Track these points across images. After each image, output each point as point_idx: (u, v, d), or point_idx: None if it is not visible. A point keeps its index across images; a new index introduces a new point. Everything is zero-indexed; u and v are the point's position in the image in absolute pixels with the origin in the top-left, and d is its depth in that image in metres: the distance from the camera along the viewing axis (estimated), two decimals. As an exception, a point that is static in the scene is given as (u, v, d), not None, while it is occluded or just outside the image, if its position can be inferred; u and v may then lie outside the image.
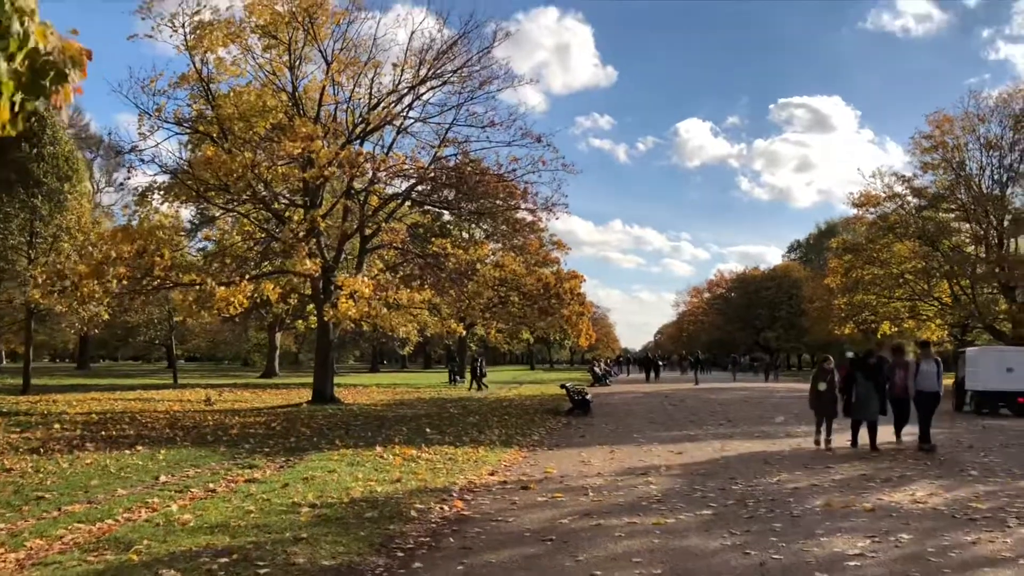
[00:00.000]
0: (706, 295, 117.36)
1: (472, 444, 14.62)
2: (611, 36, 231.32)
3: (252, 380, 46.06)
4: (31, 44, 4.09)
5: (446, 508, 8.85)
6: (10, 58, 4.01)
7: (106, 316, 30.59)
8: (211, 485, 10.10)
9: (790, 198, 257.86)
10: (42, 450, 13.19)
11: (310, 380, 37.39)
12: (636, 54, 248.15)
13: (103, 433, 16.06)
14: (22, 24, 4.04)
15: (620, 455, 13.60)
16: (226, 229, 28.54)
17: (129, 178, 48.58)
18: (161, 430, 16.88)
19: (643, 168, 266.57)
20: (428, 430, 16.97)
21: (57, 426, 17.05)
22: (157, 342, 46.46)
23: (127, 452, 13.06)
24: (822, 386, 14.76)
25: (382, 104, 24.62)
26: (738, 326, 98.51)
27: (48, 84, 4.17)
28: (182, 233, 24.08)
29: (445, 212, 50.70)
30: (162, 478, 10.64)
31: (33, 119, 30.32)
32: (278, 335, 54.88)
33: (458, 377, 45.15)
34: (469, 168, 25.21)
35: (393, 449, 13.48)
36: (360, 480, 10.39)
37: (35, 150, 29.72)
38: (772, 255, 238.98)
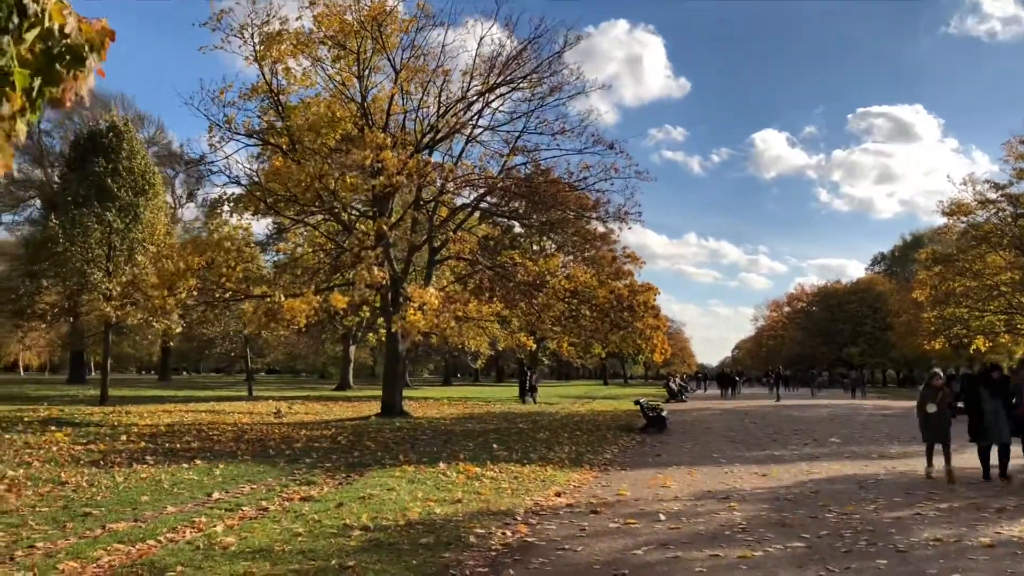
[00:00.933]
0: (786, 309, 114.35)
1: (540, 462, 13.90)
2: (683, 47, 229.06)
3: (326, 392, 46.19)
4: (46, 24, 3.59)
5: (508, 533, 8.14)
6: (20, 39, 3.51)
7: (179, 330, 31.12)
8: (264, 503, 9.60)
9: (871, 209, 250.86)
10: (102, 463, 12.95)
11: (373, 392, 37.30)
12: (709, 65, 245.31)
13: (167, 446, 15.83)
14: (37, 1, 3.53)
15: (699, 477, 12.70)
16: (297, 242, 28.49)
17: (197, 189, 48.74)
18: (226, 443, 16.59)
19: (718, 180, 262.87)
20: (495, 446, 16.31)
21: (124, 438, 16.91)
22: (233, 354, 46.96)
23: (185, 466, 12.71)
24: (931, 408, 12.53)
25: (450, 112, 24.20)
26: (820, 341, 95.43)
27: (64, 69, 3.67)
28: (253, 245, 23.93)
29: (515, 225, 50.43)
30: (215, 495, 10.20)
31: (111, 134, 30.97)
32: (351, 348, 54.99)
33: (529, 396, 44.46)
34: (540, 177, 24.58)
35: (457, 466, 12.84)
36: (419, 500, 9.77)
37: (111, 165, 30.28)
38: (853, 268, 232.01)
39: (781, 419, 27.11)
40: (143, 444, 15.96)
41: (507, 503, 9.82)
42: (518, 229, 51.39)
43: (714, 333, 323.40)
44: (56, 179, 35.38)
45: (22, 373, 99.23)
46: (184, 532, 7.95)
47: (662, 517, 9.04)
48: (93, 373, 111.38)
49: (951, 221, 44.35)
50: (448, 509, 9.28)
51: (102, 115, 32.05)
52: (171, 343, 68.77)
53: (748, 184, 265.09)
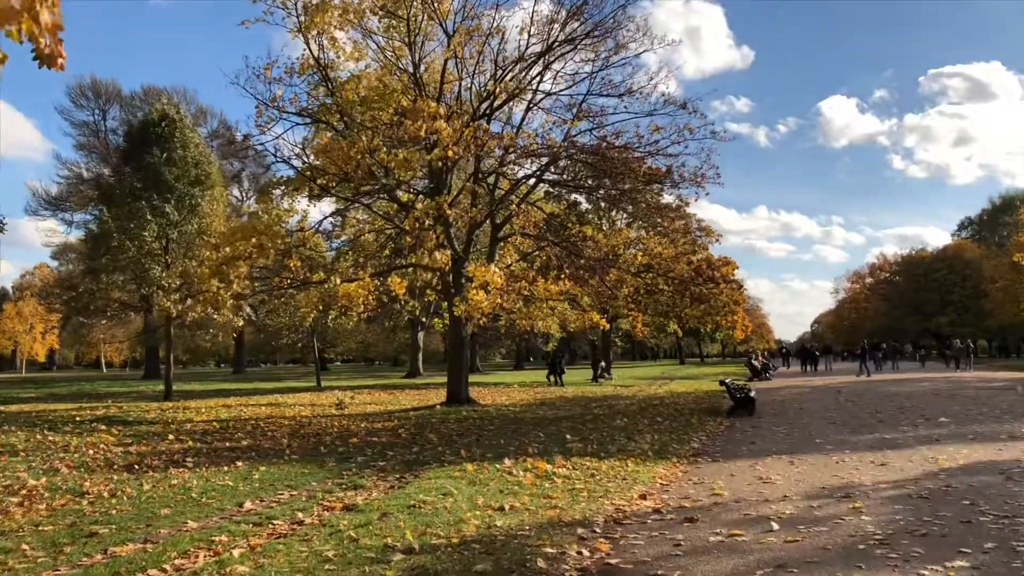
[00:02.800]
0: (868, 280, 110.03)
1: (619, 455, 12.26)
2: (744, 15, 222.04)
3: (395, 380, 45.24)
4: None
5: (586, 552, 6.57)
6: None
7: (240, 322, 30.30)
8: (300, 514, 8.23)
9: (948, 175, 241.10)
10: (136, 467, 11.79)
11: (442, 378, 36.11)
12: (772, 31, 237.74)
13: (215, 444, 14.73)
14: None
15: (806, 469, 10.92)
16: (358, 226, 27.31)
17: (261, 174, 47.53)
18: (278, 440, 15.40)
19: (785, 151, 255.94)
20: (568, 436, 14.72)
21: (171, 437, 15.87)
22: (300, 344, 46.39)
23: (224, 469, 11.47)
24: None
25: (508, 74, 22.53)
26: (906, 312, 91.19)
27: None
28: (309, 230, 22.74)
29: (581, 201, 48.57)
30: (247, 505, 8.88)
31: (163, 123, 30.22)
32: (420, 334, 54.01)
33: (606, 374, 42.79)
34: (606, 142, 22.79)
35: (525, 462, 11.30)
36: (478, 508, 8.27)
37: (165, 155, 29.49)
38: (933, 236, 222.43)
39: (880, 396, 24.89)
40: (189, 443, 14.86)
41: (583, 510, 8.26)
42: (585, 206, 49.75)
43: (790, 308, 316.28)
44: (110, 173, 34.95)
45: (104, 370, 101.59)
46: (197, 556, 6.60)
47: (774, 525, 7.35)
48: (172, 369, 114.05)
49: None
50: (512, 520, 7.75)
51: (154, 105, 31.40)
52: (233, 336, 69.37)
53: (818, 154, 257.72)
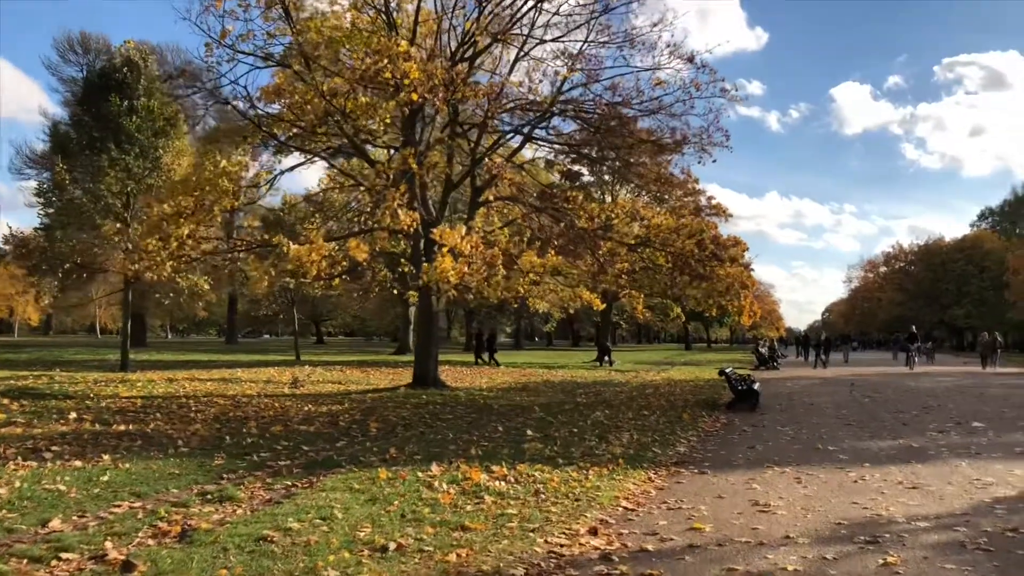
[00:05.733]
0: (883, 269, 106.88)
1: (583, 461, 9.78)
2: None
3: (382, 357, 42.84)
4: None
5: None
6: None
7: (206, 287, 27.95)
8: (108, 544, 5.86)
9: (963, 165, 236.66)
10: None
11: (442, 357, 33.76)
12: (786, 13, 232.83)
13: (113, 427, 12.38)
14: None
15: (816, 490, 8.46)
16: (328, 185, 24.83)
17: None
18: (188, 425, 13.05)
19: (797, 137, 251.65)
20: (529, 432, 12.25)
21: (72, 416, 13.51)
22: (282, 316, 43.98)
23: (78, 464, 9.08)
24: None
25: (488, 7, 19.79)
26: (921, 303, 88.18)
27: None
28: (264, 185, 20.28)
29: (585, 172, 45.87)
30: (54, 523, 6.50)
31: (125, 69, 27.80)
32: (412, 308, 51.56)
33: (607, 359, 40.38)
34: (601, 99, 20.20)
35: (457, 470, 8.87)
36: (353, 546, 5.85)
37: (127, 102, 27.01)
38: (946, 227, 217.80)
39: (899, 392, 22.38)
40: (84, 425, 12.53)
41: (500, 553, 5.82)
42: (588, 178, 47.10)
43: (800, 296, 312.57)
44: (66, 122, 32.49)
45: (99, 336, 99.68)
46: None
47: (771, 596, 4.92)
48: (169, 336, 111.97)
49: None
50: (391, 570, 5.34)
51: (118, 49, 28.95)
52: (231, 304, 67.14)
53: (830, 140, 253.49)
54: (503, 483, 8.18)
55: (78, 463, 9.14)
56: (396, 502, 7.23)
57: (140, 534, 6.20)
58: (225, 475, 8.71)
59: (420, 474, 8.52)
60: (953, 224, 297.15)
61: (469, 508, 7.11)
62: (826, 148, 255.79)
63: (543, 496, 7.70)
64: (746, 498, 8.00)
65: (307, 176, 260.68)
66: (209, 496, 7.63)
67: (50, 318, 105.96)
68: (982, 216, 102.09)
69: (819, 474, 9.35)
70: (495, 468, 8.88)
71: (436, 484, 8.04)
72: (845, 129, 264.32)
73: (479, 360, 36.73)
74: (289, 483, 8.28)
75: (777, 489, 8.45)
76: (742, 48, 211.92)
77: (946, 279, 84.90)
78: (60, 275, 26.93)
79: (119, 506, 7.18)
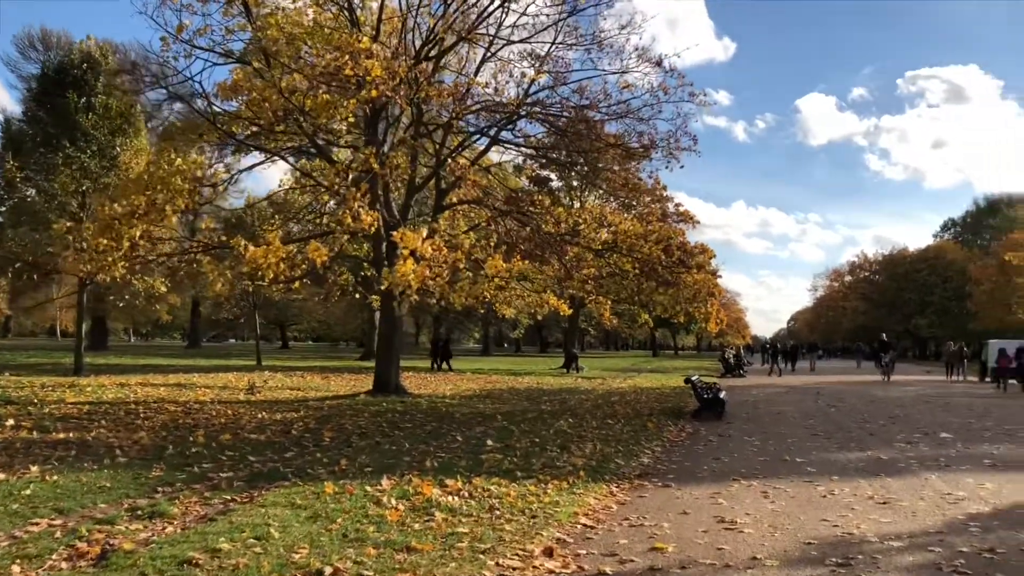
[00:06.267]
0: (848, 279, 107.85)
1: (543, 473, 9.35)
2: (726, 5, 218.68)
3: (346, 363, 42.20)
4: None
5: None
6: None
7: (163, 289, 27.20)
8: (16, 568, 5.35)
9: (925, 177, 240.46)
10: None
11: (408, 363, 33.18)
12: (754, 24, 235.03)
13: (52, 435, 11.75)
14: None
15: (784, 505, 8.11)
16: (285, 182, 24.26)
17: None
18: (134, 432, 12.44)
19: (764, 147, 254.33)
20: (489, 442, 11.79)
21: (10, 422, 12.86)
22: (242, 320, 43.07)
23: (11, 478, 8.50)
24: None
25: (457, 10, 19.33)
26: (885, 312, 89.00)
27: None
28: (221, 184, 19.67)
29: (554, 178, 45.47)
30: (-41, 543, 5.97)
31: (84, 65, 27.04)
32: (377, 313, 50.89)
33: (575, 365, 39.92)
34: (569, 102, 19.84)
35: (409, 483, 8.41)
36: (290, 567, 5.39)
37: (83, 99, 26.23)
38: (909, 237, 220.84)
39: (864, 401, 22.24)
40: (22, 433, 11.89)
41: (448, 574, 5.39)
42: (556, 183, 46.75)
43: (766, 304, 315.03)
44: (19, 118, 31.54)
45: (60, 339, 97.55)
46: None
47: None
48: (132, 340, 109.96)
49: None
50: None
51: (79, 44, 28.11)
52: (194, 308, 65.89)
53: (796, 150, 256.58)
54: (456, 498, 7.73)
55: (1, 475, 8.56)
56: (340, 519, 6.76)
57: (54, 556, 5.71)
58: (161, 488, 8.17)
59: (369, 488, 8.05)
60: (916, 234, 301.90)
61: (417, 526, 6.65)
62: (792, 158, 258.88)
63: (498, 512, 7.27)
64: (711, 514, 7.62)
65: (273, 177, 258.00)
66: (139, 512, 7.11)
67: (8, 320, 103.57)
68: (945, 227, 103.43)
69: (787, 488, 9.01)
70: (449, 482, 8.43)
71: (385, 499, 7.57)
72: (810, 140, 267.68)
73: (434, 366, 36.15)
74: (228, 497, 7.78)
75: (744, 504, 8.09)
76: (710, 58, 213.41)
77: (909, 289, 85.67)
78: (11, 275, 26.02)
79: (37, 524, 6.65)
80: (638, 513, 7.62)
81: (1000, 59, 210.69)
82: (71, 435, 11.88)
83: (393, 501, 7.51)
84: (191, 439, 11.71)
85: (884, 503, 8.20)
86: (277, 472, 9.16)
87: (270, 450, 10.99)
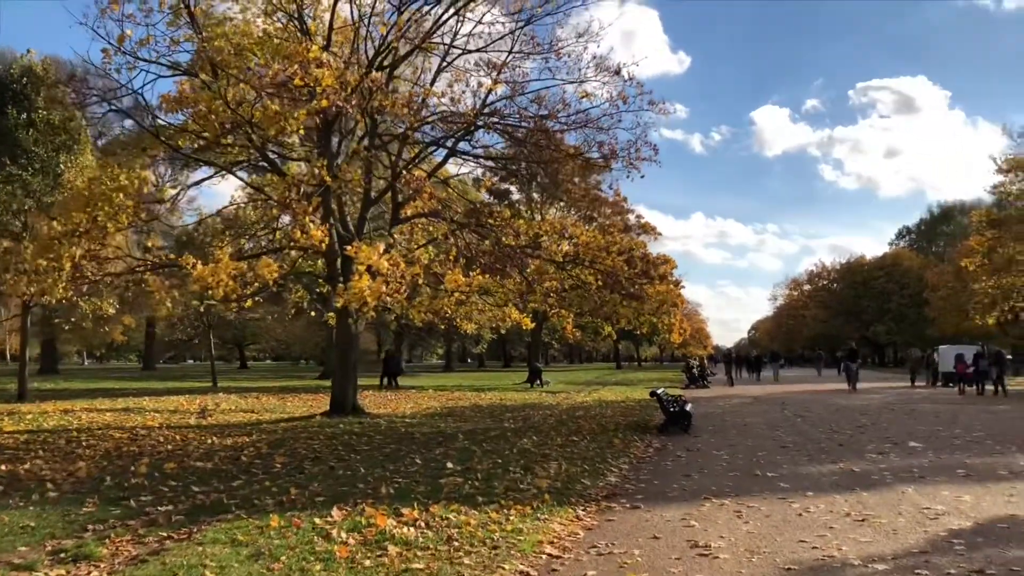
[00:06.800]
0: (807, 287, 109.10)
1: (505, 497, 8.83)
2: (681, 19, 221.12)
3: (304, 383, 41.31)
4: None
5: None
6: None
7: (111, 311, 26.29)
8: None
9: (878, 186, 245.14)
10: None
11: (367, 382, 32.42)
12: (707, 37, 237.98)
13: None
14: None
15: (759, 525, 7.68)
16: (237, 198, 23.56)
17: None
18: (71, 463, 11.71)
19: (720, 158, 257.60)
20: (450, 464, 11.24)
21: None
22: (196, 341, 41.95)
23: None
24: None
25: (406, 13, 18.84)
26: (843, 320, 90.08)
27: None
28: (168, 201, 18.95)
29: (514, 191, 45.18)
30: None
31: (24, 79, 26.14)
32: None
33: (539, 380, 39.31)
34: (528, 113, 19.46)
35: (364, 511, 7.85)
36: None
37: (24, 115, 25.30)
38: (864, 246, 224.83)
39: (831, 411, 22.06)
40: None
41: (399, 624, 4.87)
42: (516, 196, 46.46)
43: (726, 314, 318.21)
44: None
45: (8, 363, 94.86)
46: None
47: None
48: (86, 363, 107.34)
49: (1007, 179, 39.07)
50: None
51: (20, 59, 27.14)
52: (149, 329, 64.35)
53: (752, 162, 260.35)
54: (412, 529, 7.18)
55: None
56: (284, 558, 6.19)
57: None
58: (92, 526, 7.52)
59: (318, 520, 7.48)
60: (871, 243, 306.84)
61: (368, 563, 6.10)
62: (748, 169, 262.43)
63: (456, 544, 6.74)
64: (684, 538, 7.17)
65: (228, 194, 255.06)
66: (63, 555, 6.48)
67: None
68: (900, 235, 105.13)
69: (760, 506, 8.60)
70: (405, 510, 7.88)
71: (335, 533, 7.00)
72: (766, 151, 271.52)
73: (382, 384, 35.15)
74: (164, 535, 7.15)
75: (717, 526, 7.66)
76: (666, 71, 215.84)
77: (867, 296, 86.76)
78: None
79: (-53, 572, 6.01)
80: (607, 539, 7.14)
81: (948, 70, 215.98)
82: (1, 467, 11.14)
83: (343, 534, 6.95)
84: (132, 469, 11.02)
85: (862, 520, 7.82)
86: (221, 504, 8.55)
87: (216, 479, 10.35)
